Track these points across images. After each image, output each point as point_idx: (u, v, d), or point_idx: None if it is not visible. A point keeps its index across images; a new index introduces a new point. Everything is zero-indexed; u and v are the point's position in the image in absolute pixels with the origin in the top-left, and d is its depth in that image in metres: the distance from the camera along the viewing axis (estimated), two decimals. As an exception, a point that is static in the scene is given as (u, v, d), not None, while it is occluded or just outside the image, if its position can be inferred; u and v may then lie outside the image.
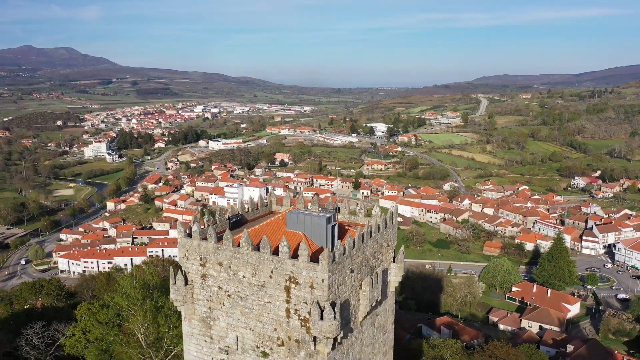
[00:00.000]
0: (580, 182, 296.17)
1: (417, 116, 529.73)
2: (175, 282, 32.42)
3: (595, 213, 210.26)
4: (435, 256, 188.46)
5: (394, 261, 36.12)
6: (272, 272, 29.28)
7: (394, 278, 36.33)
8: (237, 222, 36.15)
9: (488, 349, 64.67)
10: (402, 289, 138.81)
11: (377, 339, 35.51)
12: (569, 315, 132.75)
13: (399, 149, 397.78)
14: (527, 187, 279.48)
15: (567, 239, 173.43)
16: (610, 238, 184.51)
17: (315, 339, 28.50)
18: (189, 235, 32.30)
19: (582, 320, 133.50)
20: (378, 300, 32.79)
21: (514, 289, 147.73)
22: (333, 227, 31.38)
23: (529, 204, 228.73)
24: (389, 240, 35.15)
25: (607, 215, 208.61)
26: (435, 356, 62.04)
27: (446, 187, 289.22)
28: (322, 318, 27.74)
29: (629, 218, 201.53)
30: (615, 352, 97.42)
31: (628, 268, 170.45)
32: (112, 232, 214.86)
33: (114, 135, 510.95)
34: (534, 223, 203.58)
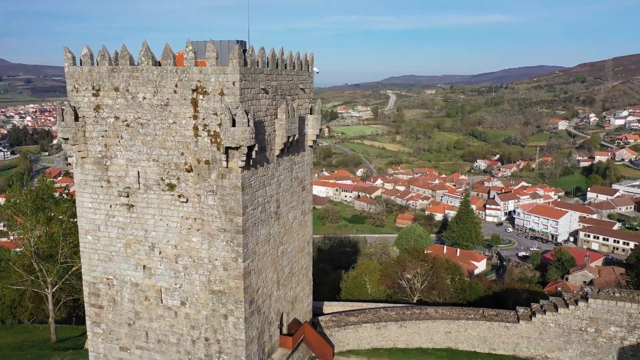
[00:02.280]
0: (482, 164, 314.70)
1: (330, 110, 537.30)
2: (63, 119, 28.28)
3: (496, 185, 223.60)
4: (351, 231, 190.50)
5: (311, 112, 34.37)
6: (176, 85, 26.23)
7: (311, 130, 34.54)
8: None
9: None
10: (319, 256, 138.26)
11: (296, 191, 33.47)
12: (477, 271, 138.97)
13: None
14: (435, 170, 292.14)
15: (473, 208, 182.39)
16: (510, 205, 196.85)
17: (227, 154, 25.85)
18: (79, 63, 28.33)
19: (489, 275, 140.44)
20: (295, 138, 30.75)
21: (426, 251, 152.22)
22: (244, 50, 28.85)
23: (437, 181, 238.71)
24: (305, 85, 33.29)
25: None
26: (356, 275, 61.59)
27: (359, 173, 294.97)
28: (234, 125, 25.21)
29: (525, 189, 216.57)
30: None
31: (526, 231, 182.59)
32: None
33: (5, 132, 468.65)
34: (442, 196, 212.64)
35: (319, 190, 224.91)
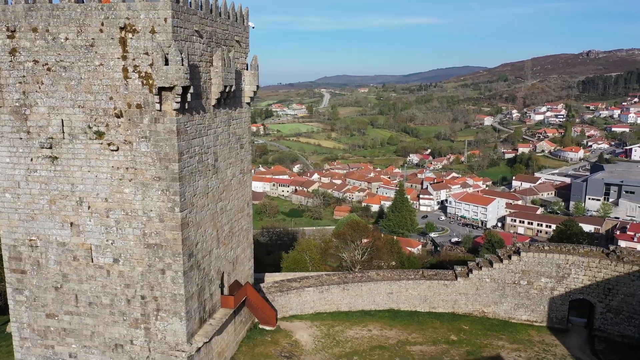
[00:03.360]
0: (414, 158, 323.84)
1: (265, 108, 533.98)
2: (-26, 64, 25.76)
3: (429, 176, 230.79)
4: (289, 224, 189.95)
5: (247, 68, 33.48)
6: (102, 24, 24.55)
7: (249, 87, 33.65)
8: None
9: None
10: (258, 248, 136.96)
11: (234, 147, 32.43)
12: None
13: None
14: (370, 164, 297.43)
15: (407, 198, 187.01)
16: (443, 195, 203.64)
17: (161, 97, 24.50)
18: (-9, 3, 25.91)
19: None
20: (232, 89, 29.76)
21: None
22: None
23: (372, 174, 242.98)
24: (241, 39, 32.34)
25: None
26: (297, 253, 61.08)
27: (295, 169, 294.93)
28: (167, 64, 23.93)
29: (456, 179, 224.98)
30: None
31: (458, 218, 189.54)
32: None
33: None
34: (377, 188, 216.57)
35: (256, 186, 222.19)
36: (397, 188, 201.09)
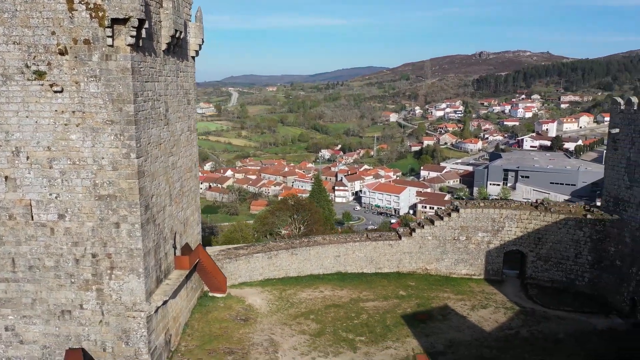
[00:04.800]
0: (326, 154, 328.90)
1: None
2: None
3: (342, 169, 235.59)
4: (206, 220, 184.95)
5: (191, 20, 31.92)
6: (42, -52, 22.10)
7: (194, 40, 32.11)
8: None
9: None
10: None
11: (183, 101, 30.72)
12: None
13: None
14: (282, 160, 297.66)
15: (325, 189, 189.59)
16: (357, 186, 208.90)
17: (113, 30, 22.51)
18: None
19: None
20: (180, 36, 28.19)
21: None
22: None
23: (287, 169, 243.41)
24: (186, -13, 30.72)
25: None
26: (229, 233, 59.55)
27: (207, 167, 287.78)
28: (120, -7, 22.03)
29: (368, 171, 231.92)
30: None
31: (373, 207, 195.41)
32: None
33: None
34: (293, 182, 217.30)
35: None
36: (313, 180, 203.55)
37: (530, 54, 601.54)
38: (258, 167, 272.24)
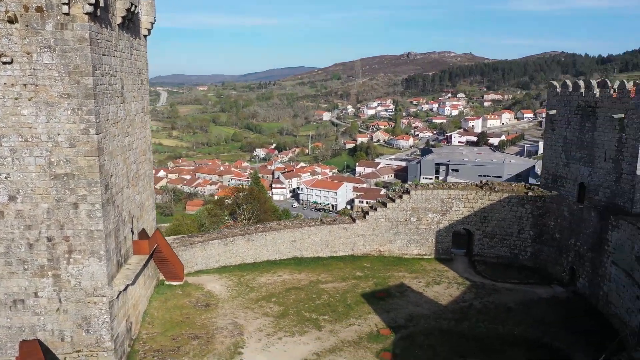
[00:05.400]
0: (261, 153, 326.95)
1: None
2: None
3: (279, 167, 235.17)
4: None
5: (143, -3, 30.73)
6: None
7: (146, 17, 30.95)
8: None
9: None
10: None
11: (137, 80, 29.51)
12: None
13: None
14: (217, 159, 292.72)
15: (263, 186, 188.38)
16: (294, 183, 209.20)
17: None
18: None
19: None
20: (135, 11, 27.12)
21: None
22: None
23: (222, 168, 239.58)
24: (137, -38, 29.52)
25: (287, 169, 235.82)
26: (174, 227, 57.83)
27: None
28: (77, -42, 20.87)
29: (305, 168, 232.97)
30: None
31: (311, 204, 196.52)
32: None
33: None
34: (229, 180, 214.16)
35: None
36: (251, 179, 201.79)
37: (454, 54, 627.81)
38: (192, 167, 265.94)
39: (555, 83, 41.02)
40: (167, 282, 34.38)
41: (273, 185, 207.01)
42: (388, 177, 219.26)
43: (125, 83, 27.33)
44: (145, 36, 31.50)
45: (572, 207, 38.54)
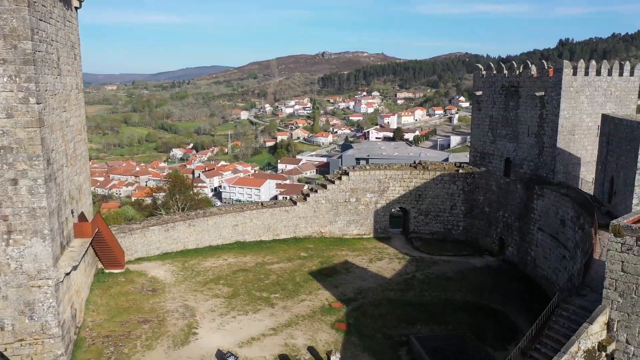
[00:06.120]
0: (178, 153, 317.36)
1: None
2: None
3: (199, 166, 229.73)
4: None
5: (74, -34, 28.92)
6: None
7: (78, -12, 29.13)
8: None
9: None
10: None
11: (71, 54, 27.68)
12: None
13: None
14: (131, 160, 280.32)
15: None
16: (216, 182, 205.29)
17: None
18: None
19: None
20: (71, -22, 25.50)
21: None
22: None
23: (138, 169, 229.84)
24: None
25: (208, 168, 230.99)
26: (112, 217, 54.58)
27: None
28: None
29: (226, 166, 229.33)
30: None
31: (234, 202, 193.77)
32: None
33: None
34: (147, 181, 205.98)
35: None
36: (170, 178, 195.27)
37: (367, 54, 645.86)
38: (105, 169, 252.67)
39: (479, 66, 43.69)
40: (107, 270, 32.59)
41: (194, 184, 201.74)
42: (310, 173, 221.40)
43: (60, 54, 25.59)
44: (76, 8, 29.65)
45: (499, 181, 41.28)
